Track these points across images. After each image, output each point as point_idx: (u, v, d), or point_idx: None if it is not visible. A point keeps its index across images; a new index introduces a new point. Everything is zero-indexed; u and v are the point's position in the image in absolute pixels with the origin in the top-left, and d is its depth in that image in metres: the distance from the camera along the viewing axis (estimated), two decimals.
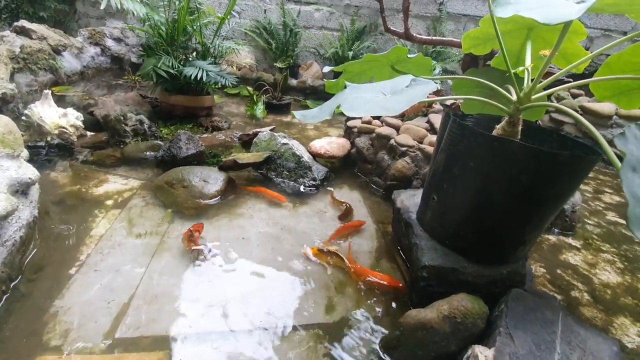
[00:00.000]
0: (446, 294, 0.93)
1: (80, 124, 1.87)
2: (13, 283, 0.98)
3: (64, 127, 1.77)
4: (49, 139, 1.73)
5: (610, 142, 0.66)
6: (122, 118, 1.89)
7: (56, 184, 1.49)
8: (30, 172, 1.15)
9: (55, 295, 0.96)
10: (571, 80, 1.13)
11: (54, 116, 1.77)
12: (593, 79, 0.91)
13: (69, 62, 2.95)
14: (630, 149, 0.50)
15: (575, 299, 1.15)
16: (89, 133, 1.92)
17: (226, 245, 1.23)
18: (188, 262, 1.14)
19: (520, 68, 0.89)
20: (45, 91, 1.82)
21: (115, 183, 1.55)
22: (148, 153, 1.80)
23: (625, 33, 3.69)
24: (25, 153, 1.24)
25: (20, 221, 1.04)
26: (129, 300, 0.97)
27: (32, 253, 1.09)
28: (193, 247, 1.16)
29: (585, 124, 0.73)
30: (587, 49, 3.74)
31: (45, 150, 1.71)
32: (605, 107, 2.58)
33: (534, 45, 1.05)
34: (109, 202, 1.41)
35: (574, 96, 2.84)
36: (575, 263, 1.33)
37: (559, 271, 1.27)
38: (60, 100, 2.45)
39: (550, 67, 1.36)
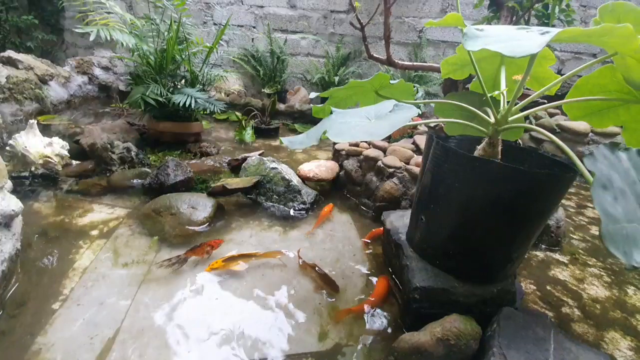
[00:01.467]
0: (439, 316, 0.92)
1: (66, 152, 1.85)
2: None
3: (48, 157, 1.75)
4: (33, 169, 1.71)
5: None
6: (108, 146, 1.88)
7: (39, 215, 1.46)
8: (13, 204, 1.12)
9: (37, 332, 0.92)
10: (546, 101, 1.19)
11: (38, 146, 1.75)
12: (564, 100, 0.97)
13: (55, 91, 2.95)
14: (599, 168, 0.53)
15: (566, 315, 1.16)
16: (74, 162, 1.90)
17: (216, 273, 1.21)
18: (176, 292, 1.11)
19: (496, 92, 0.94)
20: (31, 121, 1.81)
21: (100, 212, 1.52)
22: (135, 181, 1.78)
23: (594, 55, 3.92)
24: (8, 184, 1.22)
25: (2, 255, 1.01)
26: (114, 335, 0.94)
27: (14, 288, 1.05)
28: (185, 256, 1.23)
29: (559, 143, 0.76)
30: (559, 70, 3.91)
31: (29, 180, 1.68)
32: (581, 125, 2.70)
33: (508, 69, 1.11)
34: (94, 233, 1.38)
35: (551, 115, 2.97)
36: (564, 278, 1.35)
37: (548, 287, 1.29)
38: (46, 129, 2.43)
39: (526, 89, 1.43)
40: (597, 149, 0.59)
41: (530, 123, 2.68)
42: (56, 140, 1.84)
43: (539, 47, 0.48)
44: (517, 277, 1.16)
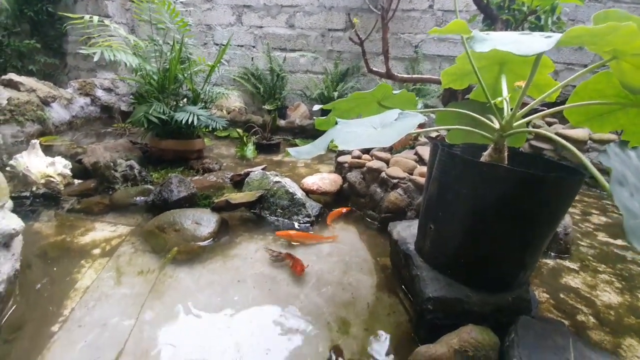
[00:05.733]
0: (453, 327, 0.90)
1: (69, 172, 1.85)
2: None
3: (51, 176, 1.74)
4: (34, 188, 1.69)
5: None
6: (111, 164, 1.88)
7: (40, 235, 1.44)
8: (14, 222, 1.11)
9: (34, 358, 0.88)
10: (546, 108, 1.21)
11: (41, 165, 1.75)
12: (566, 105, 0.97)
13: (57, 113, 2.97)
14: (614, 165, 0.53)
15: (581, 322, 1.12)
16: (76, 181, 1.89)
17: (221, 289, 1.18)
18: (181, 311, 1.08)
19: (499, 99, 0.95)
20: (33, 141, 1.81)
21: (102, 231, 1.50)
22: (138, 198, 1.77)
23: (585, 65, 4.00)
24: (9, 203, 1.20)
25: (0, 275, 0.98)
26: (116, 358, 0.90)
27: (11, 310, 1.02)
28: (284, 256, 1.36)
29: (569, 147, 0.76)
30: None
31: (29, 200, 1.66)
32: (580, 132, 2.72)
33: (507, 78, 1.13)
34: (96, 251, 1.35)
35: (549, 124, 3.00)
36: (576, 286, 1.32)
37: (562, 295, 1.26)
38: (48, 150, 2.42)
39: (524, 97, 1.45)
40: (609, 147, 0.59)
41: None
42: (59, 159, 1.84)
43: (549, 46, 0.49)
44: (529, 285, 1.13)
